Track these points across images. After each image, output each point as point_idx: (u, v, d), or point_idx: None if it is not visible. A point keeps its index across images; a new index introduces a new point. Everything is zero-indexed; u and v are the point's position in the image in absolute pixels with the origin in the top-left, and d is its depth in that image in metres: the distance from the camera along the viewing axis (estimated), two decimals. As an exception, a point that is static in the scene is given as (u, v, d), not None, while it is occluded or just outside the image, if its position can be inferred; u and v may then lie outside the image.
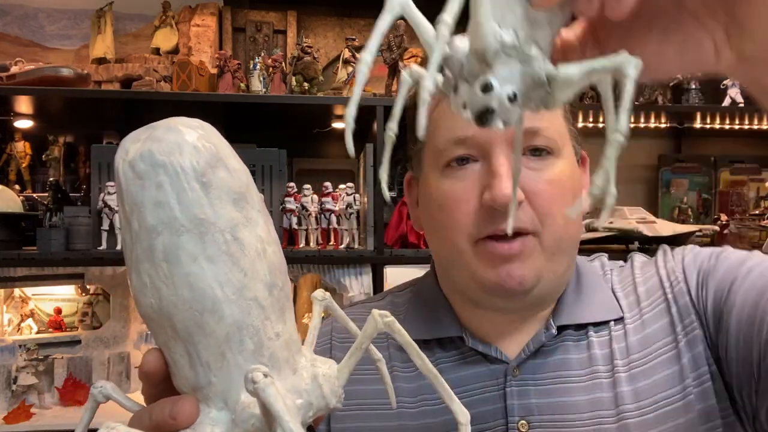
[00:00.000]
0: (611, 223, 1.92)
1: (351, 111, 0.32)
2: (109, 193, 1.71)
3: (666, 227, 1.93)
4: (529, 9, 0.34)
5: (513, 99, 0.33)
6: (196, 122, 0.39)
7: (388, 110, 1.74)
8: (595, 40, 0.39)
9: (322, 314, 0.49)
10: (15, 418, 1.69)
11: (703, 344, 0.64)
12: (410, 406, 0.67)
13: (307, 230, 1.83)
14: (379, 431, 0.67)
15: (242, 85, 1.85)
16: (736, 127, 2.23)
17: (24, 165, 2.02)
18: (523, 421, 0.64)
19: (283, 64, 1.88)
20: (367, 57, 0.32)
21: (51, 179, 1.95)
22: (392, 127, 0.33)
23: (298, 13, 2.16)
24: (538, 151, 0.63)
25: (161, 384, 0.41)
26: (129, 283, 0.40)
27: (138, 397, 0.44)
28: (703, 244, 0.98)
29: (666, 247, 0.74)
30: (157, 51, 2.04)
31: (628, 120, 0.32)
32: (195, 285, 0.37)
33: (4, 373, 1.76)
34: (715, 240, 2.00)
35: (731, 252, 0.68)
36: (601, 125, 2.19)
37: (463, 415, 0.41)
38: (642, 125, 2.23)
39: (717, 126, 2.21)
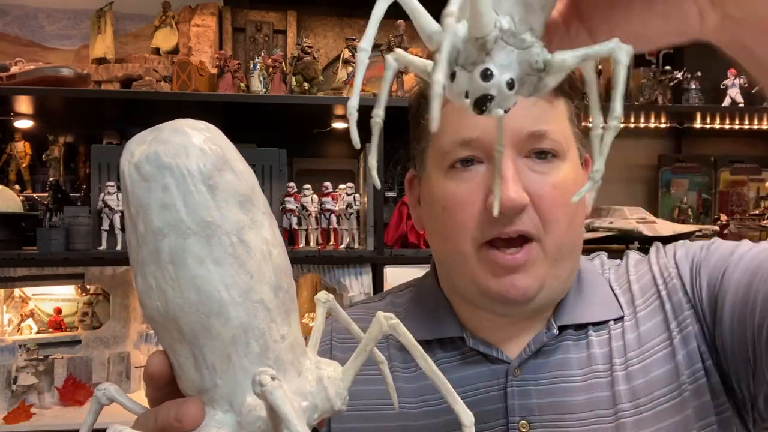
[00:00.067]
0: (611, 223, 1.92)
1: (354, 102, 0.32)
2: (109, 193, 1.71)
3: (666, 227, 1.93)
4: None
5: (511, 86, 0.33)
6: (203, 124, 0.39)
7: (388, 110, 1.72)
8: (579, 15, 0.39)
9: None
10: (15, 418, 1.69)
11: (697, 340, 0.65)
12: (411, 407, 0.67)
13: (307, 230, 1.83)
14: (381, 431, 0.67)
15: (242, 85, 1.85)
16: (736, 127, 2.23)
17: (24, 165, 2.02)
18: (524, 421, 0.64)
19: (283, 64, 1.88)
20: (365, 44, 0.32)
21: (51, 179, 1.95)
22: (379, 113, 0.33)
23: (298, 13, 2.16)
24: (543, 154, 0.62)
25: (166, 387, 0.41)
26: (134, 285, 0.40)
27: (138, 398, 0.44)
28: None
29: (659, 244, 0.74)
30: (157, 51, 2.04)
31: (622, 106, 0.33)
32: (201, 288, 0.37)
33: (4, 373, 1.76)
34: (715, 240, 2.00)
35: (721, 242, 0.68)
36: (601, 124, 2.19)
37: (467, 417, 0.41)
38: (642, 125, 2.23)
39: (717, 126, 2.21)
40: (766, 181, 2.29)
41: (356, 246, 1.83)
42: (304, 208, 1.80)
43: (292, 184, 1.81)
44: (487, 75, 0.32)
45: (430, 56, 0.36)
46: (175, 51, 2.04)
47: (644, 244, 1.82)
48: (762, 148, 2.38)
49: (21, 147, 2.02)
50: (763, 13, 0.38)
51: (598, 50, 0.33)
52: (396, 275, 1.80)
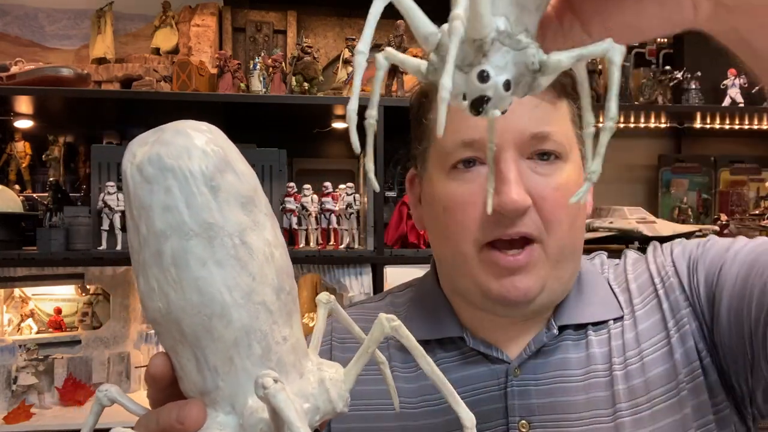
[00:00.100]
0: (611, 223, 1.92)
1: (352, 105, 0.32)
2: (109, 193, 1.71)
3: (666, 227, 1.93)
4: None
5: (507, 87, 0.33)
6: (205, 125, 0.39)
7: (388, 110, 1.74)
8: (572, 7, 0.39)
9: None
10: (15, 418, 1.69)
11: (695, 338, 0.65)
12: (411, 407, 0.67)
13: (307, 230, 1.83)
14: (381, 431, 0.67)
15: (242, 85, 1.85)
16: (736, 127, 2.23)
17: (24, 165, 2.02)
18: (524, 421, 0.64)
19: (283, 64, 1.88)
20: (362, 47, 0.32)
21: (51, 179, 1.95)
22: (372, 114, 0.33)
23: (298, 13, 2.16)
24: (546, 155, 0.62)
25: (168, 388, 0.41)
26: (136, 286, 0.40)
27: (138, 397, 0.44)
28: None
29: (656, 243, 0.74)
30: (157, 51, 2.04)
31: (617, 106, 0.33)
32: (204, 289, 0.37)
33: (4, 373, 1.76)
34: (715, 240, 2.00)
35: (717, 239, 0.69)
36: (601, 124, 2.19)
37: (468, 419, 0.41)
38: (642, 125, 2.23)
39: (717, 126, 2.21)
40: (766, 181, 2.30)
41: (356, 246, 1.83)
42: (304, 208, 1.80)
43: (292, 184, 1.81)
44: (483, 77, 0.32)
45: (422, 55, 0.36)
46: (175, 51, 2.04)
47: (644, 244, 1.82)
48: (762, 148, 2.38)
49: (21, 147, 2.02)
50: (756, 1, 0.38)
51: (592, 50, 0.34)
52: (396, 275, 1.80)
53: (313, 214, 1.81)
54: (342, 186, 1.84)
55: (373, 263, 1.82)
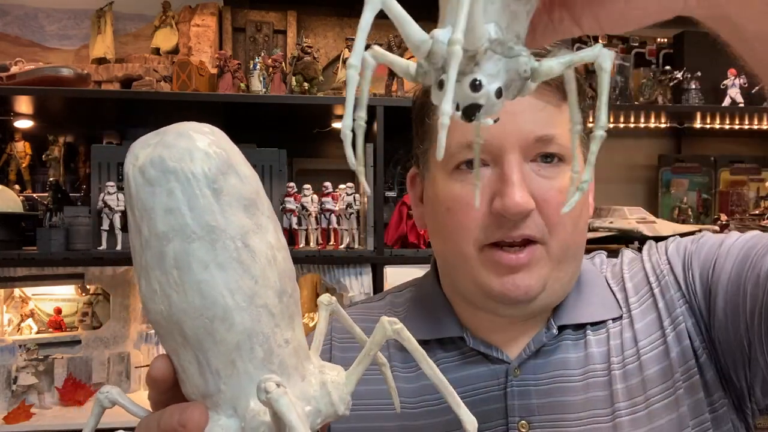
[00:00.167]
0: (611, 223, 1.93)
1: (347, 121, 0.31)
2: (109, 193, 1.71)
3: (666, 227, 1.93)
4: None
5: (499, 95, 0.33)
6: (207, 127, 0.39)
7: (388, 110, 1.74)
8: (561, 1, 0.39)
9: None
10: (15, 418, 1.69)
11: (691, 336, 0.65)
12: (411, 407, 0.67)
13: (307, 230, 1.83)
14: (380, 431, 0.67)
15: (242, 85, 1.85)
16: (736, 127, 2.23)
17: (24, 165, 2.02)
18: (524, 422, 0.64)
19: (283, 64, 1.88)
20: (354, 60, 0.31)
21: (51, 179, 1.95)
22: (361, 115, 0.32)
23: (298, 13, 2.16)
24: (549, 158, 0.62)
25: (169, 390, 0.41)
26: (138, 288, 0.40)
27: (138, 397, 0.44)
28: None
29: (651, 242, 0.74)
30: (157, 51, 2.04)
31: (607, 114, 0.33)
32: (206, 292, 0.37)
33: (4, 373, 1.76)
34: (715, 240, 2.00)
35: (710, 235, 0.69)
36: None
37: (470, 422, 0.41)
38: (642, 125, 2.23)
39: (717, 126, 2.22)
40: (766, 181, 2.30)
41: (356, 246, 1.83)
42: (304, 208, 1.80)
43: (292, 184, 1.81)
44: (476, 85, 0.32)
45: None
46: (175, 51, 2.04)
47: (644, 244, 1.82)
48: (762, 148, 2.38)
49: (21, 147, 2.02)
50: None
51: (582, 56, 0.34)
52: (396, 275, 1.80)
53: (313, 214, 1.81)
54: (342, 186, 1.84)
55: (373, 263, 1.82)
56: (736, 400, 0.65)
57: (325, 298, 0.47)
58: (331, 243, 1.83)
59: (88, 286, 1.96)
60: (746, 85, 2.08)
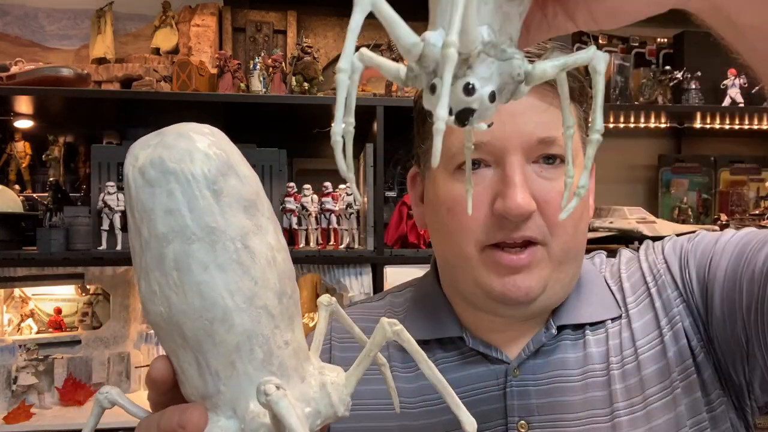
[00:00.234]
0: (611, 223, 1.92)
1: (337, 128, 0.31)
2: (109, 193, 1.71)
3: (666, 227, 1.93)
4: (501, 1, 0.33)
5: (493, 99, 0.33)
6: (207, 128, 0.39)
7: (388, 110, 1.74)
8: None
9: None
10: (15, 418, 1.69)
11: (688, 335, 0.65)
12: (411, 407, 0.67)
13: (307, 230, 1.83)
14: (380, 431, 0.67)
15: (242, 85, 1.85)
16: (736, 127, 2.23)
17: (24, 165, 2.02)
18: (523, 422, 0.64)
19: (283, 64, 1.88)
20: (344, 64, 0.30)
21: (51, 179, 1.95)
22: (350, 121, 0.32)
23: (298, 13, 2.16)
24: (551, 159, 0.62)
25: (169, 392, 0.41)
26: (138, 289, 0.40)
27: (138, 397, 0.44)
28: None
29: (649, 241, 0.75)
30: (157, 51, 2.04)
31: (602, 118, 0.33)
32: (205, 294, 0.37)
33: (4, 373, 1.76)
34: (715, 240, 2.00)
35: (706, 233, 0.69)
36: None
37: (469, 423, 0.41)
38: (642, 125, 2.23)
39: (717, 126, 2.21)
40: (766, 181, 2.30)
41: (356, 246, 1.83)
42: (304, 208, 1.80)
43: (292, 184, 1.81)
44: (469, 89, 0.32)
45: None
46: (175, 51, 2.04)
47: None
48: (762, 148, 2.38)
49: (21, 147, 2.02)
50: None
51: (576, 59, 0.33)
52: (396, 275, 1.80)
53: (313, 214, 1.81)
54: (342, 186, 1.84)
55: (373, 263, 1.82)
56: (735, 398, 0.65)
57: (324, 298, 0.47)
58: (331, 243, 1.83)
59: (88, 286, 1.96)
60: (746, 85, 2.08)
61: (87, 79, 1.80)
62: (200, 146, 0.38)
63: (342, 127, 0.31)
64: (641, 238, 1.82)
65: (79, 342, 1.89)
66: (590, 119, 0.33)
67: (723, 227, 2.05)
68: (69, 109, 1.91)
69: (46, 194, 1.89)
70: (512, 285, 0.61)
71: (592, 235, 1.86)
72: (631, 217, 1.94)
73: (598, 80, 0.32)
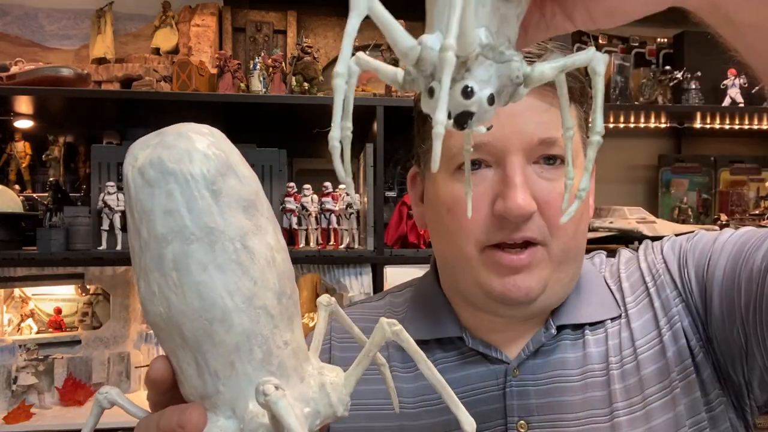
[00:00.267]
0: (611, 223, 1.92)
1: (335, 133, 0.30)
2: (109, 193, 1.71)
3: (666, 227, 1.93)
4: (499, 2, 0.33)
5: (491, 101, 0.32)
6: (206, 128, 0.39)
7: (388, 110, 1.74)
8: None
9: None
10: (15, 418, 1.69)
11: (687, 335, 0.65)
12: (410, 406, 0.67)
13: (307, 230, 1.83)
14: (380, 431, 0.67)
15: (242, 85, 1.85)
16: (736, 127, 2.23)
17: (24, 165, 2.02)
18: (522, 422, 0.64)
19: (283, 64, 1.88)
20: (341, 68, 0.30)
21: (51, 179, 1.95)
22: (347, 126, 0.32)
23: (298, 13, 2.16)
24: (552, 160, 0.62)
25: (168, 392, 0.41)
26: (137, 290, 0.40)
27: (138, 397, 0.44)
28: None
29: (648, 241, 0.75)
30: (157, 51, 2.04)
31: (602, 119, 0.33)
32: (205, 294, 0.37)
33: (4, 373, 1.76)
34: (715, 240, 2.00)
35: (704, 233, 0.69)
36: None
37: (469, 423, 0.41)
38: (642, 125, 2.23)
39: (717, 126, 2.21)
40: (766, 181, 2.30)
41: (356, 246, 1.83)
42: (304, 208, 1.80)
43: (292, 184, 1.81)
44: (468, 92, 0.32)
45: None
46: (175, 51, 2.04)
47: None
48: (762, 148, 2.38)
49: (21, 147, 2.02)
50: None
51: (575, 60, 0.33)
52: (396, 275, 1.80)
53: (313, 214, 1.81)
54: (342, 186, 1.83)
55: (373, 263, 1.82)
56: (735, 397, 0.65)
57: (324, 298, 0.47)
58: (331, 243, 1.83)
59: (88, 286, 1.96)
60: (746, 85, 2.08)
61: (87, 79, 1.80)
62: (199, 146, 0.38)
63: (340, 132, 0.30)
64: (641, 238, 1.82)
65: (79, 342, 1.89)
66: (590, 120, 0.33)
67: (723, 227, 2.05)
68: (69, 109, 1.91)
69: (46, 194, 1.89)
70: (512, 285, 0.61)
71: (592, 235, 1.86)
72: (631, 217, 1.94)
73: (598, 81, 0.32)
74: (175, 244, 0.37)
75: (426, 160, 0.69)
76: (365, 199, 1.85)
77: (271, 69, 1.86)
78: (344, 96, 0.30)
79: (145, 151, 0.38)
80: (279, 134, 2.01)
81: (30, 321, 1.94)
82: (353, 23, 0.30)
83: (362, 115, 1.81)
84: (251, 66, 1.85)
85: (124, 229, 1.70)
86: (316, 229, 1.83)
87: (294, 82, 1.86)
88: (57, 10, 2.12)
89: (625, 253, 0.75)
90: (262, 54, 1.93)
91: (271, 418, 0.37)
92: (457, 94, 0.32)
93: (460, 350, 0.68)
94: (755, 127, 2.23)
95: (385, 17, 0.31)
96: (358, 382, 0.43)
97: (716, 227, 2.03)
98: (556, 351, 0.66)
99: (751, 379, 0.63)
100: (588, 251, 0.72)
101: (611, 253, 0.77)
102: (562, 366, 0.66)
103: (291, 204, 1.79)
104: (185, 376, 0.40)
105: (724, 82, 2.10)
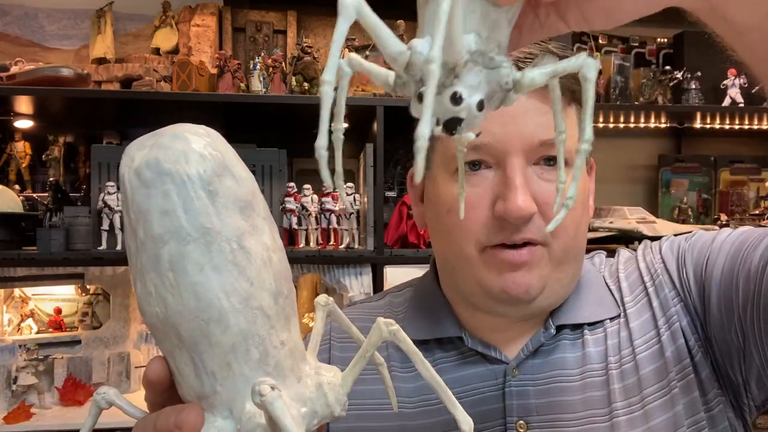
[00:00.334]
0: (611, 223, 1.92)
1: (321, 141, 0.30)
2: (109, 193, 1.71)
3: (666, 227, 1.93)
4: (489, 7, 0.33)
5: (481, 107, 0.32)
6: (203, 129, 0.39)
7: (388, 110, 1.74)
8: None
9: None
10: (15, 418, 1.69)
11: (685, 335, 0.65)
12: (410, 406, 0.67)
13: (307, 230, 1.83)
14: (379, 431, 0.67)
15: (242, 85, 1.85)
16: (736, 127, 2.23)
17: (24, 165, 2.02)
18: (522, 422, 0.64)
19: (283, 64, 1.88)
20: (329, 76, 0.29)
21: (51, 179, 1.95)
22: (339, 128, 0.32)
23: (298, 13, 2.16)
24: (552, 161, 0.62)
25: (165, 392, 0.41)
26: (134, 290, 0.40)
27: (138, 398, 0.44)
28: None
29: (647, 241, 0.75)
30: (157, 51, 2.04)
31: (591, 127, 0.32)
32: (201, 295, 0.37)
33: (4, 373, 1.76)
34: (715, 240, 2.00)
35: (702, 233, 0.69)
36: (601, 125, 2.19)
37: (466, 423, 0.41)
38: (642, 125, 2.23)
39: (717, 126, 2.21)
40: (766, 181, 2.30)
41: (356, 246, 1.83)
42: (304, 208, 1.80)
43: (292, 184, 1.81)
44: (456, 98, 0.32)
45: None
46: (175, 51, 2.04)
47: (643, 244, 1.82)
48: (762, 148, 2.38)
49: (21, 147, 2.02)
50: None
51: (566, 66, 0.33)
52: (396, 275, 1.80)
53: (313, 214, 1.81)
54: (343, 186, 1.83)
55: (373, 263, 1.82)
56: (733, 397, 0.65)
57: (322, 298, 0.47)
58: (331, 243, 1.83)
59: (88, 286, 1.96)
60: (746, 85, 2.08)
61: (87, 79, 1.80)
62: (196, 147, 0.38)
63: (327, 141, 0.30)
64: (641, 238, 1.82)
65: (79, 342, 1.89)
66: (580, 129, 0.33)
67: (723, 227, 2.04)
68: (69, 109, 1.91)
69: (46, 194, 1.89)
70: (512, 282, 0.61)
71: (592, 235, 1.86)
72: (631, 217, 1.94)
73: (588, 88, 0.32)
74: (172, 245, 0.37)
75: (426, 160, 0.69)
76: (365, 199, 1.85)
77: (271, 69, 1.86)
78: (333, 102, 0.30)
79: (141, 152, 0.38)
80: (279, 134, 2.01)
81: (30, 321, 1.94)
82: (341, 29, 0.30)
83: (362, 115, 1.81)
84: (251, 66, 1.85)
85: (123, 230, 1.70)
86: (316, 229, 1.83)
87: (294, 82, 1.86)
88: (57, 10, 2.12)
89: (624, 253, 0.75)
90: (262, 54, 1.93)
91: (267, 419, 0.37)
92: (446, 100, 0.32)
93: (460, 350, 0.68)
94: (755, 127, 2.23)
95: (374, 22, 0.31)
96: (355, 382, 0.43)
97: (716, 227, 2.03)
98: (555, 351, 0.66)
99: (748, 378, 0.63)
100: (588, 251, 0.72)
101: (611, 253, 0.77)
102: (561, 366, 0.66)
103: (291, 204, 1.79)
104: (182, 377, 0.40)
105: (724, 82, 2.10)
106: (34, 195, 1.99)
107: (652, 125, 2.24)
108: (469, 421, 0.41)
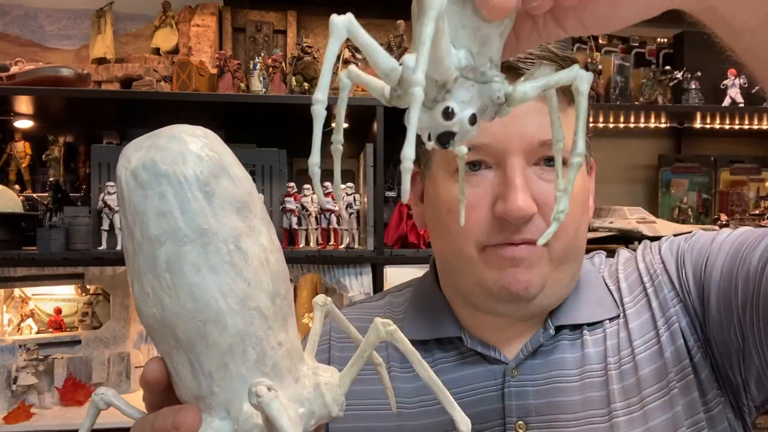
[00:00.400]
0: (611, 223, 1.92)
1: (314, 158, 0.30)
2: (109, 193, 1.71)
3: (666, 227, 1.93)
4: (479, 22, 0.33)
5: (473, 121, 0.32)
6: (200, 130, 0.39)
7: (388, 110, 1.74)
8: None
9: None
10: (15, 418, 1.69)
11: (685, 336, 0.65)
12: (409, 406, 0.67)
13: (307, 230, 1.83)
14: (378, 431, 0.67)
15: (242, 85, 1.85)
16: (736, 127, 2.23)
17: (24, 165, 2.02)
18: (521, 422, 0.64)
19: (283, 64, 1.88)
20: (320, 96, 0.29)
21: (51, 179, 1.95)
22: (338, 139, 0.32)
23: (298, 13, 2.16)
24: (553, 161, 0.62)
25: (163, 393, 0.41)
26: (131, 291, 0.40)
27: (138, 398, 0.44)
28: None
29: (646, 241, 0.75)
30: (157, 51, 2.04)
31: (584, 140, 0.32)
32: (198, 296, 0.37)
33: (4, 373, 1.76)
34: (715, 240, 2.00)
35: (702, 233, 0.69)
36: (601, 125, 2.20)
37: (464, 423, 0.41)
38: (642, 125, 2.23)
39: (717, 126, 2.21)
40: (766, 181, 2.29)
41: (356, 246, 1.84)
42: (304, 208, 1.80)
43: (292, 184, 1.81)
44: (448, 113, 0.32)
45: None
46: (175, 51, 2.04)
47: (644, 244, 1.82)
48: (762, 148, 2.38)
49: (21, 147, 2.02)
50: None
51: (558, 79, 0.33)
52: (396, 275, 1.80)
53: (313, 214, 1.81)
54: (342, 186, 1.83)
55: (373, 263, 1.82)
56: (732, 397, 0.65)
57: (320, 299, 0.47)
58: (331, 243, 1.83)
59: (88, 286, 1.96)
60: (746, 85, 2.08)
61: (87, 79, 1.80)
62: (192, 148, 0.38)
63: (319, 158, 0.30)
64: (641, 238, 1.82)
65: (79, 342, 1.89)
66: (572, 142, 0.33)
67: (723, 227, 2.04)
68: (69, 109, 1.91)
69: (46, 194, 1.89)
70: (512, 278, 0.61)
71: (592, 235, 1.86)
72: (631, 217, 1.94)
73: (581, 101, 0.32)
74: (168, 246, 0.37)
75: (426, 160, 0.69)
76: (365, 199, 1.85)
77: (271, 69, 1.86)
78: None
79: (138, 153, 0.38)
80: (279, 134, 2.01)
81: (30, 321, 1.94)
82: (332, 48, 0.30)
83: (362, 115, 1.81)
84: (251, 66, 1.85)
85: (121, 230, 1.70)
86: (316, 229, 1.83)
87: (294, 82, 1.86)
88: (57, 10, 2.12)
89: (623, 253, 0.75)
90: (262, 54, 1.93)
91: (264, 420, 0.37)
92: (437, 116, 0.32)
93: (459, 350, 0.68)
94: (755, 127, 2.23)
95: (366, 40, 0.31)
96: (354, 382, 0.43)
97: (716, 227, 2.03)
98: (554, 351, 0.66)
99: (748, 378, 0.63)
100: (588, 251, 0.72)
101: (611, 253, 0.77)
102: (560, 366, 0.66)
103: (291, 204, 1.79)
104: (180, 378, 0.40)
105: (724, 82, 2.10)
106: (34, 195, 1.99)
107: (652, 125, 2.24)
108: (467, 421, 0.41)
